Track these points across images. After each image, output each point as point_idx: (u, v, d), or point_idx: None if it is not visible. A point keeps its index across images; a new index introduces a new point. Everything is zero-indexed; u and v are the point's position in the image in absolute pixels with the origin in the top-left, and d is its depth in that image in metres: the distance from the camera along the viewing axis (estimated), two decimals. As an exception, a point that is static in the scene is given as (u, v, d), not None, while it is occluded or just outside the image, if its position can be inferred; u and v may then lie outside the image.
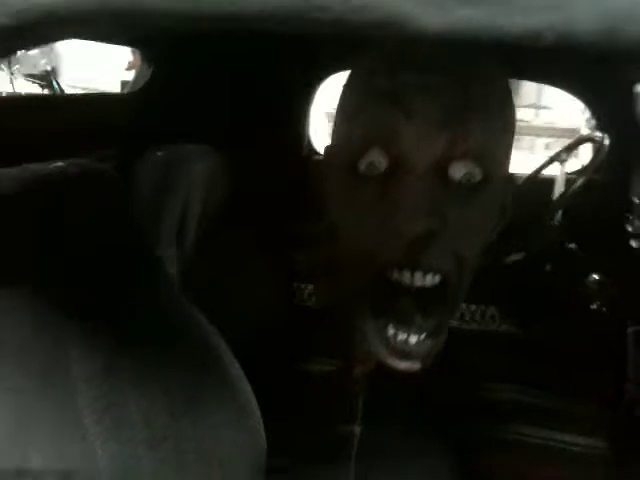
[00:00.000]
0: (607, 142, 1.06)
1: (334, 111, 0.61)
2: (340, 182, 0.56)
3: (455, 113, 0.51)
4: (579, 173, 0.88)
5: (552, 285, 0.91)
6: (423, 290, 0.54)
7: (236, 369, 0.43)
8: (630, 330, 0.87)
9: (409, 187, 0.52)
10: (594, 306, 0.92)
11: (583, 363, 0.72)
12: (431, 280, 0.54)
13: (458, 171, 0.51)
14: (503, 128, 0.55)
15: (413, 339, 0.58)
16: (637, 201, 1.05)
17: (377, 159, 0.53)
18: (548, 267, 0.95)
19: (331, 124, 0.61)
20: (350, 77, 0.56)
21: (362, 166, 0.53)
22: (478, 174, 0.52)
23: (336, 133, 0.59)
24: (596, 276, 0.97)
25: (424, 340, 0.57)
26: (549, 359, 0.68)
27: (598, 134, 1.06)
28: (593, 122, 1.16)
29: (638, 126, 1.16)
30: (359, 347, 0.61)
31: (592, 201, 1.02)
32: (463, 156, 0.51)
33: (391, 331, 0.57)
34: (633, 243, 1.01)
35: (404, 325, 0.57)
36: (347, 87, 0.57)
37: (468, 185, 0.52)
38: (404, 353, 0.57)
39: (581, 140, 1.11)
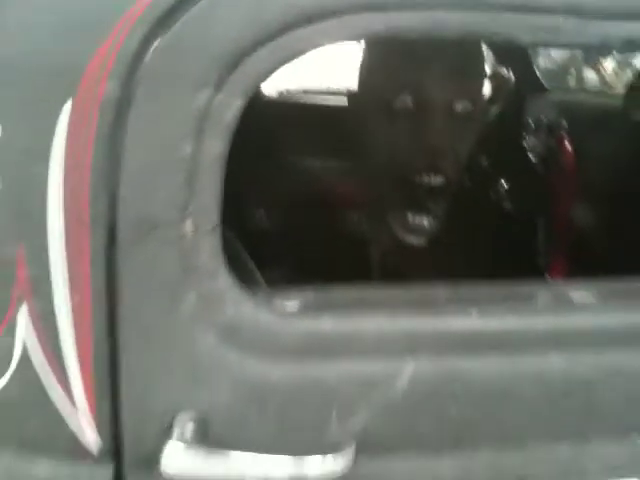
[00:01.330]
0: (509, 77, 1.40)
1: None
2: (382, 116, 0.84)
3: (459, 71, 0.81)
4: (490, 102, 1.19)
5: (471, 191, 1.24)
6: (435, 188, 0.85)
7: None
8: (538, 221, 1.24)
9: (430, 117, 0.81)
10: (505, 206, 1.28)
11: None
12: (440, 181, 0.85)
13: (459, 106, 0.81)
14: (481, 78, 0.88)
15: (424, 222, 0.89)
16: (531, 123, 1.42)
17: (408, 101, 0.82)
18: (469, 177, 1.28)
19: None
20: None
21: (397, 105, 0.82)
22: (470, 108, 0.83)
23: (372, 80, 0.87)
24: (504, 183, 1.32)
25: (430, 222, 0.88)
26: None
27: (503, 71, 1.39)
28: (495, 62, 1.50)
29: (530, 63, 1.53)
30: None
31: (499, 125, 1.36)
32: (463, 96, 0.82)
33: (410, 217, 0.88)
34: (530, 156, 1.38)
35: (420, 212, 0.88)
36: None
37: (464, 115, 0.83)
38: (417, 232, 0.89)
39: (491, 76, 1.44)
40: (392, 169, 0.88)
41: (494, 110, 1.34)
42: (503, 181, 1.33)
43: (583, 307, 0.66)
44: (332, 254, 0.93)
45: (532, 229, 1.24)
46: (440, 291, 0.66)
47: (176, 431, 0.55)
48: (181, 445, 0.54)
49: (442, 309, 0.63)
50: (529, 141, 1.41)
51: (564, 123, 1.38)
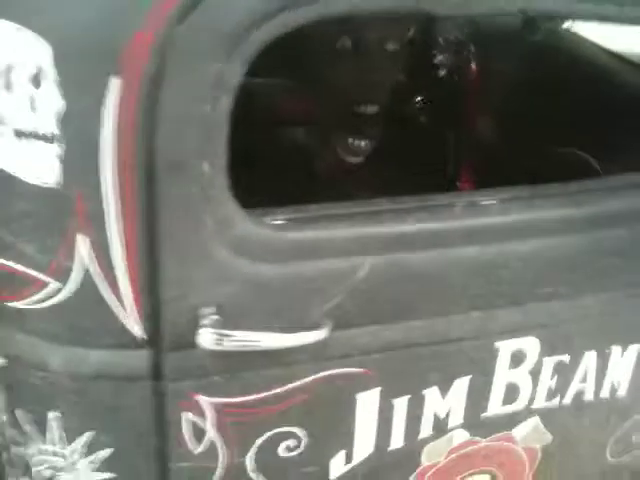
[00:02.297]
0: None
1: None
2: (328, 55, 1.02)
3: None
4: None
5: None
6: (370, 115, 1.04)
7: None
8: (449, 134, 1.46)
9: (367, 54, 0.99)
10: (421, 120, 1.48)
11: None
12: (375, 109, 1.04)
13: (389, 46, 1.00)
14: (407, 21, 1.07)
15: (363, 144, 1.09)
16: (441, 41, 1.61)
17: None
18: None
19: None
20: None
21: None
22: (397, 47, 1.02)
23: None
24: (419, 98, 1.52)
25: (367, 144, 1.09)
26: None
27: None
28: None
29: None
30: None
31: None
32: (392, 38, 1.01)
33: (350, 140, 1.07)
34: (439, 72, 1.58)
35: (359, 136, 1.07)
36: None
37: (393, 51, 1.01)
38: (357, 152, 1.09)
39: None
40: (335, 101, 1.06)
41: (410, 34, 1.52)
42: (420, 100, 1.54)
43: (489, 210, 0.90)
44: (289, 168, 1.12)
45: (445, 143, 1.46)
46: (384, 203, 0.87)
47: (203, 319, 0.75)
48: (209, 329, 0.74)
49: (387, 217, 0.85)
50: (440, 61, 1.61)
51: (470, 43, 1.58)
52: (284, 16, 0.66)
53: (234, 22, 0.65)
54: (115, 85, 0.63)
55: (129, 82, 0.64)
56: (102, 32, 0.63)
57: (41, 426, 0.82)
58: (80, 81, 0.64)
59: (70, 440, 0.82)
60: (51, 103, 0.64)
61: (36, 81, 0.64)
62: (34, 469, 0.86)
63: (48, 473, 0.86)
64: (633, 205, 0.97)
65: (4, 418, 0.85)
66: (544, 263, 0.92)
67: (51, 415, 0.81)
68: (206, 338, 0.74)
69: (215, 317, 0.75)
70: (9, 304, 0.75)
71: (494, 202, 0.90)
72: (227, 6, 0.65)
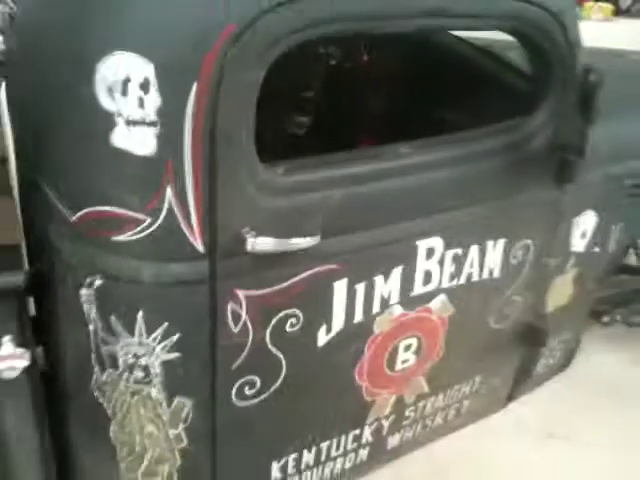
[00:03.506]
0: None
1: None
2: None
3: None
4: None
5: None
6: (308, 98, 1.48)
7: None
8: (353, 107, 1.95)
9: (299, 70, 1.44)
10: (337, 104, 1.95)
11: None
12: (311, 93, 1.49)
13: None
14: None
15: (304, 119, 1.52)
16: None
17: None
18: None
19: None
20: None
21: None
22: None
23: None
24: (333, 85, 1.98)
25: (307, 119, 1.53)
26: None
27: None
28: None
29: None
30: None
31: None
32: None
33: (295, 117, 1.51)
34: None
35: (300, 114, 1.51)
36: None
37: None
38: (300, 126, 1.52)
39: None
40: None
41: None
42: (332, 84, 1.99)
43: (405, 154, 1.37)
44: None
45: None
46: (342, 155, 1.32)
47: (244, 234, 1.16)
48: (251, 238, 1.16)
49: (345, 163, 1.30)
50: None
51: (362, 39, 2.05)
52: (299, 35, 1.08)
53: (265, 44, 1.06)
54: (194, 88, 1.03)
55: (202, 85, 1.03)
56: (186, 55, 1.02)
57: (130, 326, 1.20)
58: (172, 86, 1.03)
59: (150, 332, 1.21)
60: (153, 101, 1.03)
61: (144, 88, 1.02)
62: (121, 359, 1.24)
63: (132, 360, 1.24)
64: (484, 147, 1.48)
65: (98, 325, 1.21)
66: (442, 186, 1.42)
67: (139, 315, 1.19)
68: (250, 244, 1.15)
69: (251, 232, 1.17)
70: (112, 238, 1.13)
71: (409, 149, 1.38)
72: (260, 35, 1.05)
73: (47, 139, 1.13)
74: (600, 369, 2.52)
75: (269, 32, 1.06)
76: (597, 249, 1.94)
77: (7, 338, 1.23)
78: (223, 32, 1.03)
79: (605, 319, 2.49)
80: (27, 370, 1.27)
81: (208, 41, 1.02)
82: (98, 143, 1.06)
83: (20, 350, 1.24)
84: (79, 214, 1.13)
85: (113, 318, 1.20)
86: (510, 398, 2.09)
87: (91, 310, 1.20)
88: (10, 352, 1.23)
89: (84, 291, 1.19)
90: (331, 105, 1.79)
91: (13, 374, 1.26)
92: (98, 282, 1.17)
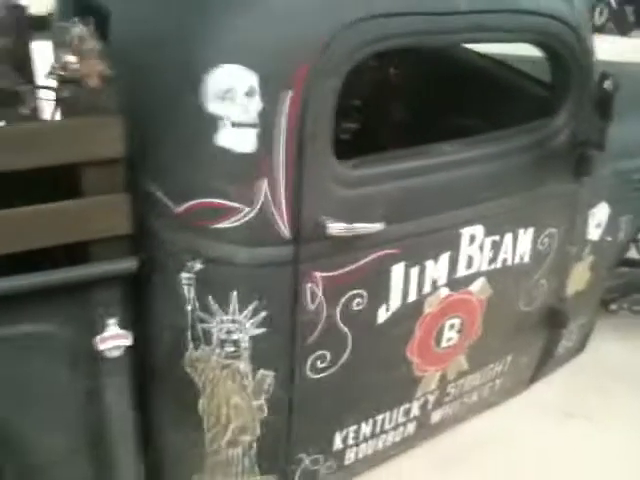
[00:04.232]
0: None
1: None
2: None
3: None
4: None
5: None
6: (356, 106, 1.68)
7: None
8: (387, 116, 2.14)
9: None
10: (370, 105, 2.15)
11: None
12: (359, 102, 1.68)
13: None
14: None
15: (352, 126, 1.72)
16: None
17: None
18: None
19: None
20: None
21: None
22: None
23: None
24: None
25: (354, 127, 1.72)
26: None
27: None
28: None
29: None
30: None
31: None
32: None
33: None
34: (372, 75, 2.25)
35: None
36: None
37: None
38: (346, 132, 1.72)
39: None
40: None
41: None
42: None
43: (451, 151, 1.57)
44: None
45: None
46: (402, 152, 1.50)
47: (324, 221, 1.34)
48: (332, 223, 1.33)
49: (405, 159, 1.48)
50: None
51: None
52: (372, 48, 1.28)
53: (345, 56, 1.26)
54: (288, 95, 1.22)
55: (295, 92, 1.22)
56: (283, 66, 1.21)
57: (224, 304, 1.37)
58: (271, 93, 1.21)
59: (242, 310, 1.38)
60: (256, 106, 1.21)
61: (248, 95, 1.20)
62: (215, 336, 1.40)
63: (224, 336, 1.40)
64: (514, 145, 1.68)
65: (196, 305, 1.38)
66: (480, 180, 1.61)
67: (233, 295, 1.36)
68: (330, 229, 1.33)
69: (329, 218, 1.35)
70: (213, 226, 1.30)
71: (452, 147, 1.58)
72: (341, 48, 1.25)
73: (154, 142, 1.31)
74: (608, 356, 2.72)
75: (348, 45, 1.26)
76: (609, 238, 2.14)
77: (112, 320, 1.39)
78: (312, 46, 1.22)
79: (612, 307, 2.70)
80: (126, 350, 1.43)
81: (300, 55, 1.22)
82: (204, 143, 1.24)
83: (123, 331, 1.41)
84: (183, 206, 1.31)
85: (210, 298, 1.37)
86: (533, 379, 2.28)
87: (190, 292, 1.37)
88: (115, 333, 1.40)
89: (184, 275, 1.36)
90: (367, 112, 1.99)
91: (116, 353, 1.43)
92: (198, 266, 1.35)
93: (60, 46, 1.21)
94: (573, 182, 1.82)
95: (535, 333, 2.08)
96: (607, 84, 1.64)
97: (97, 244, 1.31)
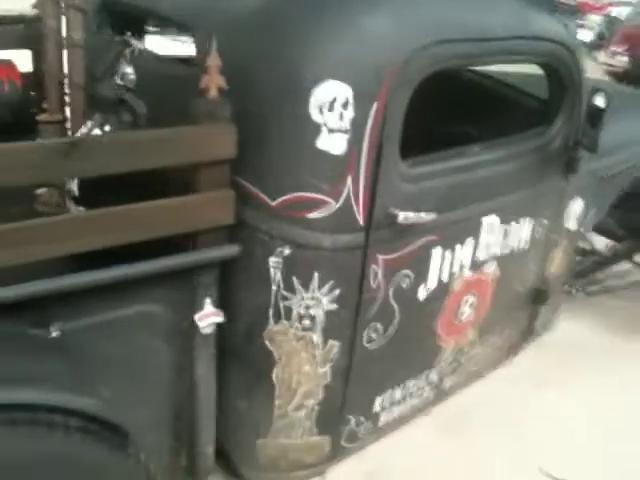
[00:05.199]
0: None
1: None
2: None
3: None
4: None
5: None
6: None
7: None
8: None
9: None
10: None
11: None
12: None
13: None
14: None
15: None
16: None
17: None
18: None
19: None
20: None
21: None
22: None
23: None
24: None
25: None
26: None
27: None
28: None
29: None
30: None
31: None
32: None
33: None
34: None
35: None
36: None
37: None
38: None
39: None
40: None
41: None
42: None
43: (478, 152, 1.86)
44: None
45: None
46: (451, 153, 1.78)
47: (393, 211, 1.59)
48: (401, 213, 1.59)
49: (451, 159, 1.76)
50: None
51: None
52: (438, 66, 1.54)
53: (417, 72, 1.52)
54: (374, 106, 1.46)
55: (380, 102, 1.47)
56: (372, 81, 1.46)
57: (306, 283, 1.60)
58: (362, 104, 1.45)
59: (320, 288, 1.61)
60: (349, 115, 1.45)
61: (344, 105, 1.44)
62: (295, 311, 1.63)
63: (303, 311, 1.63)
64: (523, 148, 1.99)
65: (281, 285, 1.60)
66: (498, 176, 1.92)
67: (315, 275, 1.59)
68: (400, 218, 1.59)
69: (397, 209, 1.60)
70: (304, 216, 1.53)
71: (478, 149, 1.87)
72: (415, 65, 1.50)
73: (255, 145, 1.51)
74: (566, 333, 3.12)
75: (420, 64, 1.52)
76: (581, 229, 2.52)
77: (209, 300, 1.59)
78: (394, 66, 1.47)
79: (566, 288, 3.09)
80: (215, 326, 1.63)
81: (385, 72, 1.47)
82: (305, 147, 1.47)
83: (217, 309, 1.61)
84: (279, 200, 1.52)
85: (295, 278, 1.59)
86: (514, 352, 2.62)
87: (276, 274, 1.59)
88: (211, 311, 1.60)
89: (273, 259, 1.58)
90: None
91: (209, 330, 1.62)
92: (287, 251, 1.57)
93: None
94: (563, 179, 2.17)
95: (522, 310, 2.42)
96: (598, 99, 1.98)
97: (204, 233, 1.51)
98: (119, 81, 1.82)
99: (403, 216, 1.60)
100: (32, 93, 2.21)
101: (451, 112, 2.34)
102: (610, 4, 12.45)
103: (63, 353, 1.34)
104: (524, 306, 2.40)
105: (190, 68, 1.73)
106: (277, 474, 1.91)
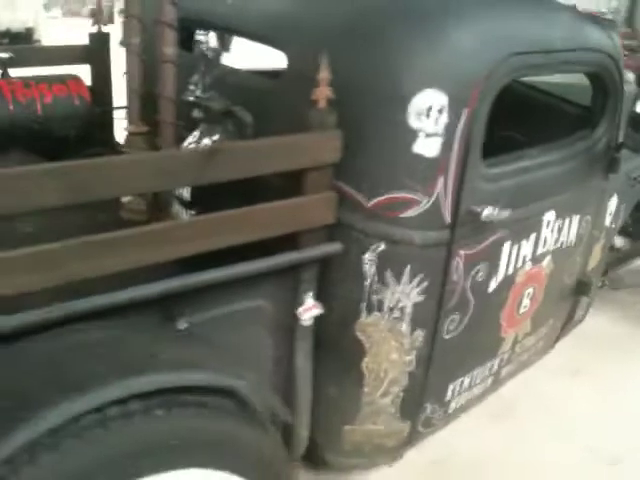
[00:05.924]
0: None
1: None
2: None
3: None
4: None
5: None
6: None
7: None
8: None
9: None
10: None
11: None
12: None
13: None
14: None
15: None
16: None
17: None
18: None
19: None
20: None
21: None
22: None
23: None
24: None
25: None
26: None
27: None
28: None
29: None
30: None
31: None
32: None
33: None
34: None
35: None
36: None
37: None
38: None
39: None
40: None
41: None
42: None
43: (537, 155, 2.01)
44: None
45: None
46: (513, 156, 1.93)
47: (476, 209, 1.74)
48: (484, 210, 1.74)
49: (517, 161, 1.91)
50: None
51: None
52: (513, 76, 1.69)
53: (497, 82, 1.67)
54: (466, 111, 1.61)
55: (469, 109, 1.62)
56: (464, 90, 1.61)
57: (398, 277, 1.73)
58: (455, 110, 1.60)
59: (411, 281, 1.75)
60: (444, 121, 1.60)
61: (440, 112, 1.59)
62: (386, 303, 1.76)
63: (394, 303, 1.76)
64: (574, 150, 2.16)
65: (374, 279, 1.73)
66: (554, 177, 2.07)
67: (406, 269, 1.73)
68: (484, 215, 1.73)
69: (479, 207, 1.75)
70: (399, 215, 1.66)
71: (537, 152, 2.03)
72: (496, 76, 1.66)
73: (353, 150, 1.64)
74: (595, 325, 3.29)
75: (502, 73, 1.68)
76: (614, 225, 2.69)
77: (310, 294, 1.72)
78: (482, 74, 1.63)
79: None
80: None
81: (474, 80, 1.62)
82: (402, 151, 1.61)
83: (317, 302, 1.74)
84: (375, 200, 1.66)
85: (388, 273, 1.73)
86: (557, 341, 2.77)
87: (370, 269, 1.73)
88: (312, 304, 1.73)
89: (367, 255, 1.71)
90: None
91: (308, 322, 1.75)
92: (381, 248, 1.70)
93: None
94: (604, 179, 2.33)
95: (567, 301, 2.57)
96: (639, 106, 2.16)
97: (308, 232, 1.65)
98: (201, 94, 1.96)
99: (486, 213, 1.75)
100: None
101: (500, 119, 2.50)
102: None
103: (201, 341, 1.47)
104: (569, 298, 2.56)
105: (274, 81, 1.88)
106: (360, 459, 2.04)
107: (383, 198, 1.66)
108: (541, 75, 1.99)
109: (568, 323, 2.73)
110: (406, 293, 1.77)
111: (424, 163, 1.63)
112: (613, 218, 2.64)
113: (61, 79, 2.26)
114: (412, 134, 1.60)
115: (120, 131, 2.56)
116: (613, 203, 2.57)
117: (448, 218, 1.73)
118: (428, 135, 1.60)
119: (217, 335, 1.58)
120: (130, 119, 2.06)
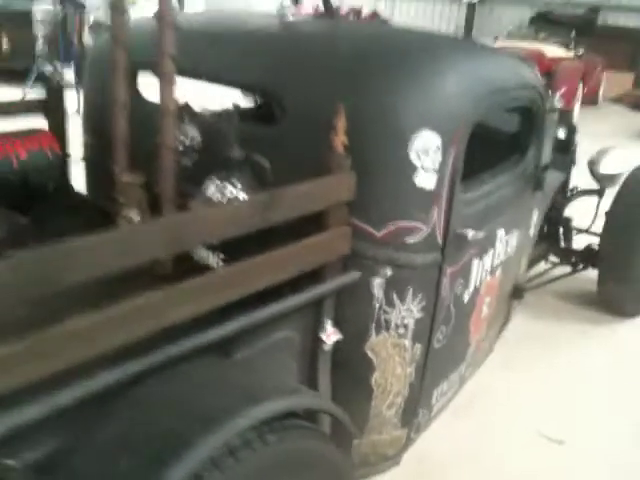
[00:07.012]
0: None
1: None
2: None
3: None
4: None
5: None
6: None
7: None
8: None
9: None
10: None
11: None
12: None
13: None
14: None
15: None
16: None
17: None
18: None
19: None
20: None
21: None
22: None
23: None
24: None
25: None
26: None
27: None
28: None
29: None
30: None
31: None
32: None
33: None
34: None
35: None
36: None
37: None
38: None
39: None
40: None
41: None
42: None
43: (489, 180, 2.32)
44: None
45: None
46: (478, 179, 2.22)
47: (463, 231, 1.99)
48: (469, 232, 1.99)
49: (483, 184, 2.20)
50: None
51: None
52: (487, 111, 1.97)
53: (474, 120, 1.93)
54: (453, 148, 1.86)
55: (456, 146, 1.87)
56: (451, 131, 1.85)
57: (403, 297, 1.94)
58: (445, 149, 1.85)
59: (413, 300, 1.96)
60: (438, 158, 1.83)
61: (435, 151, 1.82)
62: (393, 322, 1.96)
63: (400, 321, 1.96)
64: (517, 174, 2.49)
65: (383, 301, 1.92)
66: (505, 197, 2.39)
67: (409, 290, 1.94)
68: (469, 236, 1.99)
69: (466, 229, 2.00)
70: (405, 242, 1.87)
71: (488, 176, 2.33)
72: (473, 116, 1.92)
73: (361, 186, 1.83)
74: (519, 322, 3.69)
75: (479, 110, 1.96)
76: (535, 234, 3.09)
77: (329, 321, 1.88)
78: (465, 114, 1.89)
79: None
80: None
81: (460, 120, 1.88)
82: (406, 184, 1.83)
83: (335, 328, 1.90)
84: (384, 231, 1.86)
85: (394, 294, 1.93)
86: (496, 341, 3.11)
87: (379, 292, 1.92)
88: (332, 330, 1.89)
89: (377, 279, 1.90)
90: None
91: (329, 347, 1.91)
92: (389, 272, 1.90)
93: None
94: (532, 196, 2.70)
95: (506, 305, 2.91)
96: (560, 132, 2.54)
97: (329, 265, 1.81)
98: (186, 141, 2.07)
99: (471, 235, 2.01)
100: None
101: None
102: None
103: (258, 372, 1.58)
104: (507, 302, 2.90)
105: (274, 127, 2.03)
106: (367, 469, 2.21)
107: (393, 227, 1.87)
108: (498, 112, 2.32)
109: (504, 325, 3.08)
110: (409, 311, 1.98)
111: (425, 195, 1.86)
112: (535, 228, 3.03)
113: (31, 134, 2.26)
114: (413, 169, 1.82)
115: (76, 178, 2.58)
116: (535, 215, 2.96)
117: (440, 241, 1.97)
118: (427, 170, 1.84)
119: (259, 367, 1.69)
120: (119, 168, 2.11)
